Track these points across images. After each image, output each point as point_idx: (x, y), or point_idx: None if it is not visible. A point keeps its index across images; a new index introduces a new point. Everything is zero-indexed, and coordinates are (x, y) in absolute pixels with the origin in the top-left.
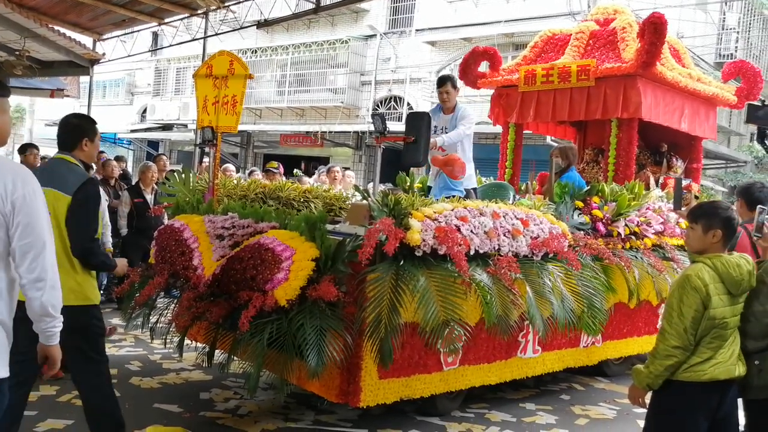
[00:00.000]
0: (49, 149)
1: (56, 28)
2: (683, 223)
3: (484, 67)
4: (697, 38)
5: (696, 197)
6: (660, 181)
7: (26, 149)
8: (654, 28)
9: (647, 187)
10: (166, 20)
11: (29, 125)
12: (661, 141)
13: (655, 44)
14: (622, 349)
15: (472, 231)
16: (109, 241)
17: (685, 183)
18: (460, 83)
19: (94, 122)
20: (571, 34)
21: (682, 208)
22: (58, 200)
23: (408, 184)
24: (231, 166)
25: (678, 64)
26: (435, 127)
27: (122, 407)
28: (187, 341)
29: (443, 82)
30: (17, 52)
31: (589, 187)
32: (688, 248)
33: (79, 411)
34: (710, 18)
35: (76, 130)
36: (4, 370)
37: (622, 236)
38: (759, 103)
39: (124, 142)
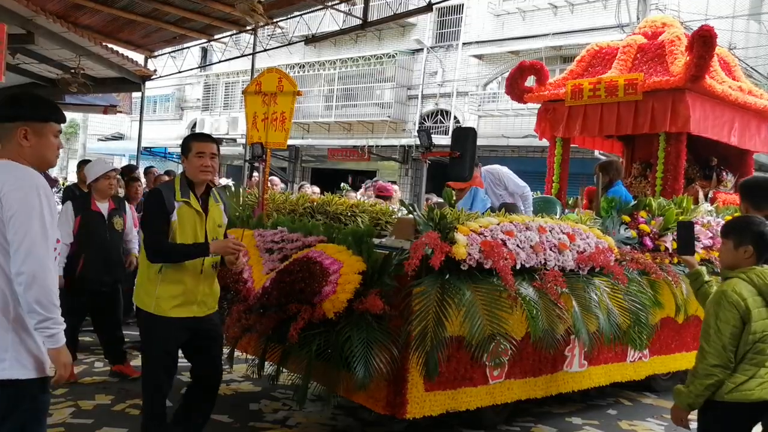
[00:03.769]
0: None
1: (109, 45)
2: None
3: (530, 81)
4: (750, 49)
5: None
6: (709, 195)
7: (84, 164)
8: (703, 41)
9: (696, 202)
10: (216, 37)
11: (82, 140)
12: (710, 154)
13: (704, 57)
14: (670, 364)
15: (518, 245)
16: None
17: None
18: (505, 98)
19: None
20: (618, 48)
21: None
22: None
23: (454, 198)
24: (276, 179)
25: (728, 77)
26: None
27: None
28: (237, 353)
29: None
30: (72, 70)
31: (636, 202)
32: (720, 263)
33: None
34: (764, 28)
35: None
36: (22, 371)
37: (670, 251)
38: None
39: (174, 156)
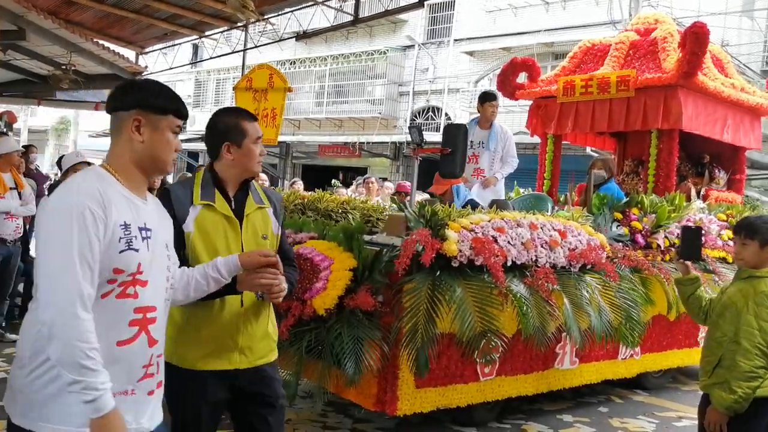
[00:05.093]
0: (93, 159)
1: (101, 42)
2: (725, 234)
3: (522, 78)
4: (742, 46)
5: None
6: (702, 192)
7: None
8: (695, 38)
9: (688, 199)
10: (207, 33)
11: (73, 136)
12: (703, 151)
13: (697, 54)
14: (662, 362)
15: (509, 242)
16: None
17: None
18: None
19: None
20: (610, 45)
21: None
22: None
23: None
24: (263, 175)
25: (720, 74)
26: (471, 142)
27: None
28: None
29: (495, 97)
30: (63, 66)
31: (628, 199)
32: (741, 263)
33: None
34: (756, 25)
35: None
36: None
37: (662, 248)
38: None
39: None
